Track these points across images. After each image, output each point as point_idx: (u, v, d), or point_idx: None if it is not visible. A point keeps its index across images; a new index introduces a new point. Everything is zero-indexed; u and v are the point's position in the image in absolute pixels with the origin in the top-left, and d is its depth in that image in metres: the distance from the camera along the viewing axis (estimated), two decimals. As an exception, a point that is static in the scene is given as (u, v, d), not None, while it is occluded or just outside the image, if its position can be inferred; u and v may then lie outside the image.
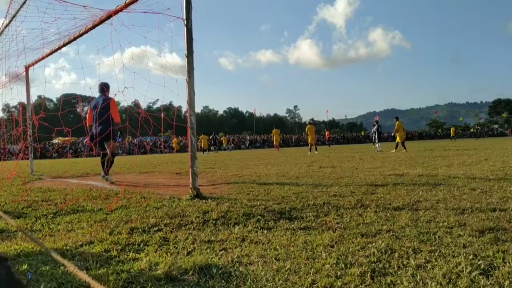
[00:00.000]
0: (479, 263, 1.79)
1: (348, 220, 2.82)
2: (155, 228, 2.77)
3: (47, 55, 7.42)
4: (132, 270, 1.87)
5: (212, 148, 33.72)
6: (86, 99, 7.34)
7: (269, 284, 1.67)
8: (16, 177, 7.86)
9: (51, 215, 3.42)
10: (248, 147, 43.71)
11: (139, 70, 4.68)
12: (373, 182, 5.12)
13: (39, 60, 7.92)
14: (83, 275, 1.00)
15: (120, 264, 1.99)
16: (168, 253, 2.15)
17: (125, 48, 4.84)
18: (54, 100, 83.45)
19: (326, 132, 41.76)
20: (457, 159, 9.24)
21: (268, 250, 2.15)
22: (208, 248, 2.25)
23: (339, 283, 1.64)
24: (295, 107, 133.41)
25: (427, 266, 1.80)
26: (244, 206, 3.48)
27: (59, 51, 6.89)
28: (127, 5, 4.70)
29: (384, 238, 2.29)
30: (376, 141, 18.55)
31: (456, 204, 3.29)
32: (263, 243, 2.30)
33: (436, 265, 1.80)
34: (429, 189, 4.25)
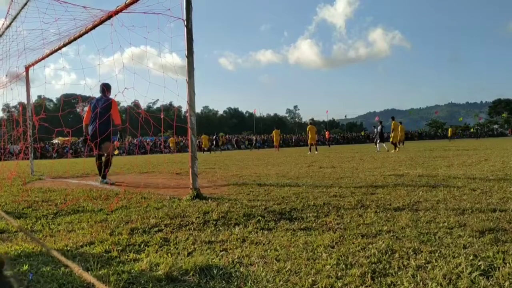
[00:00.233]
0: (479, 263, 1.79)
1: (348, 221, 2.83)
2: (156, 229, 2.77)
3: (47, 55, 7.43)
4: (132, 270, 1.88)
5: (213, 148, 33.78)
6: (86, 99, 7.34)
7: (270, 285, 1.67)
8: (16, 178, 7.86)
9: (52, 216, 3.42)
10: (256, 147, 43.94)
11: (139, 71, 4.69)
12: (373, 182, 5.12)
13: (39, 60, 7.92)
14: (87, 276, 1.01)
15: (120, 264, 1.99)
16: (169, 254, 2.15)
17: (125, 48, 4.85)
18: (54, 100, 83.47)
19: (326, 133, 41.81)
20: (457, 159, 9.24)
21: (269, 250, 2.16)
22: (208, 248, 2.25)
23: (339, 284, 1.65)
24: (295, 107, 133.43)
25: (427, 267, 1.80)
26: (244, 206, 3.48)
27: (59, 51, 6.89)
28: (127, 6, 4.70)
29: (384, 238, 2.29)
30: (378, 141, 18.58)
31: (456, 204, 3.29)
32: (264, 244, 2.30)
33: (437, 265, 1.80)
34: (429, 189, 4.25)
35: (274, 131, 27.53)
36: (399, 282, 1.64)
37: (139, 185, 5.77)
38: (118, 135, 6.80)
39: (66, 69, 6.25)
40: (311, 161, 10.94)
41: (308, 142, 19.93)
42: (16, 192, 5.37)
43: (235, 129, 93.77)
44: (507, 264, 1.78)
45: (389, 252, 2.03)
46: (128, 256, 2.14)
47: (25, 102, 8.83)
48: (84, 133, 6.47)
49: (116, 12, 4.81)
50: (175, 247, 2.30)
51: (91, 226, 2.93)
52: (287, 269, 1.84)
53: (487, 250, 1.99)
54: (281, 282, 1.69)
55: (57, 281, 1.76)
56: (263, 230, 2.65)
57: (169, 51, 4.39)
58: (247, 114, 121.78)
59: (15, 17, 5.91)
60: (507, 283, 1.58)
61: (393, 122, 17.53)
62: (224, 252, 2.18)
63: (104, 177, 6.24)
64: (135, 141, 37.94)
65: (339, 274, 1.75)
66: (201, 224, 2.87)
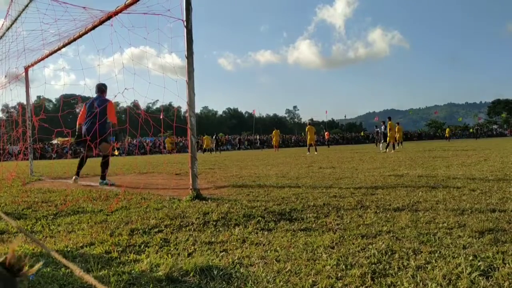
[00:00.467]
0: (479, 264, 1.80)
1: (348, 221, 2.83)
2: (156, 229, 2.77)
3: (47, 56, 7.43)
4: (133, 271, 1.88)
5: (213, 148, 33.81)
6: (86, 100, 7.34)
7: (270, 286, 1.67)
8: (15, 178, 7.85)
9: (52, 216, 3.42)
10: (259, 148, 44.15)
11: (139, 71, 4.69)
12: (373, 183, 5.13)
13: (39, 60, 7.92)
14: (87, 277, 1.00)
15: (121, 265, 1.99)
16: (169, 255, 2.16)
17: (125, 49, 4.86)
18: (54, 100, 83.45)
19: (326, 133, 41.85)
20: (457, 159, 9.25)
21: (269, 251, 2.16)
22: (208, 249, 2.25)
23: (339, 284, 1.65)
24: (295, 107, 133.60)
25: (427, 267, 1.80)
26: (244, 207, 3.49)
27: (58, 52, 6.89)
28: (127, 6, 4.70)
29: (384, 239, 2.30)
30: (382, 141, 18.58)
31: (456, 205, 3.30)
32: (264, 245, 2.30)
33: (436, 266, 1.81)
34: (429, 190, 4.26)
35: (274, 132, 27.61)
36: (399, 283, 1.64)
37: (139, 186, 5.77)
38: (114, 136, 6.77)
39: (66, 70, 6.27)
40: (311, 162, 10.94)
41: (307, 143, 19.96)
42: (16, 192, 5.37)
43: (234, 130, 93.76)
44: (507, 265, 1.78)
45: (389, 253, 2.03)
46: (128, 257, 2.14)
47: (25, 102, 8.83)
48: (76, 133, 6.42)
49: (116, 13, 4.82)
50: (175, 248, 2.30)
51: (91, 227, 2.93)
52: (287, 269, 1.85)
53: (486, 251, 1.99)
54: (281, 283, 1.69)
55: (57, 282, 1.76)
56: (263, 231, 2.65)
57: (168, 51, 4.40)
58: (246, 115, 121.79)
59: (16, 19, 5.91)
60: (506, 283, 1.58)
61: (389, 122, 17.68)
62: (224, 252, 2.18)
63: (103, 178, 6.23)
64: (134, 141, 37.94)
65: (339, 275, 1.75)
66: (201, 225, 2.87)
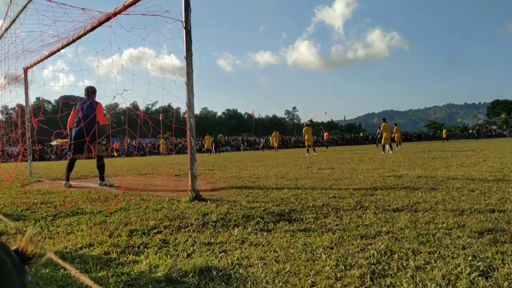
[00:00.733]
0: (478, 264, 1.80)
1: (347, 222, 2.83)
2: (155, 230, 2.77)
3: (46, 57, 7.42)
4: (132, 272, 1.87)
5: (212, 150, 33.79)
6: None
7: (269, 286, 1.67)
8: (15, 180, 7.84)
9: (51, 218, 3.41)
10: (262, 149, 44.35)
11: (138, 72, 4.70)
12: (372, 183, 5.13)
13: (38, 62, 7.91)
14: (86, 278, 1.00)
15: (120, 266, 1.99)
16: (168, 256, 2.15)
17: (124, 50, 4.86)
18: (53, 102, 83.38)
19: (325, 134, 41.87)
20: (456, 160, 9.26)
21: (268, 252, 2.16)
22: (208, 250, 2.25)
23: (339, 285, 1.65)
24: (294, 108, 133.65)
25: (426, 268, 1.80)
26: (243, 208, 3.48)
27: (57, 53, 6.89)
28: (125, 7, 4.70)
29: (383, 239, 2.30)
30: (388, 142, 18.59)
31: (455, 205, 3.30)
32: (263, 245, 2.30)
33: (436, 266, 1.81)
34: (428, 190, 4.26)
35: (273, 133, 27.68)
36: (398, 283, 1.64)
37: (138, 187, 5.77)
38: (104, 137, 6.77)
39: (65, 71, 6.26)
40: (310, 162, 10.94)
41: (306, 144, 19.98)
42: (15, 194, 5.36)
43: (234, 131, 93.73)
44: (506, 265, 1.78)
45: (388, 253, 2.03)
46: (127, 258, 2.14)
47: (24, 104, 8.83)
48: (69, 136, 6.44)
49: (115, 14, 4.82)
50: (174, 249, 2.30)
51: (90, 228, 2.93)
52: (286, 270, 1.84)
53: (486, 251, 1.99)
54: (280, 283, 1.69)
55: (56, 283, 1.75)
56: (262, 232, 2.65)
57: (167, 52, 4.41)
58: (246, 116, 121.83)
59: (14, 20, 5.91)
60: (506, 284, 1.58)
61: (383, 124, 17.77)
62: (223, 253, 2.18)
63: (102, 179, 6.24)
64: (134, 142, 37.92)
65: (338, 275, 1.75)
66: (200, 226, 2.87)
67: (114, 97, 4.62)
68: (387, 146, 16.93)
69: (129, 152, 35.77)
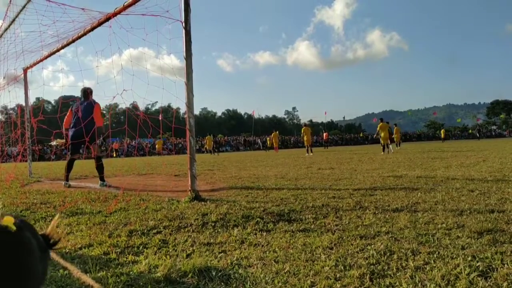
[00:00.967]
0: (477, 264, 1.80)
1: (347, 222, 2.83)
2: (154, 231, 2.76)
3: (46, 57, 7.42)
4: (131, 272, 1.87)
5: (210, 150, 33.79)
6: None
7: (269, 287, 1.67)
8: (14, 180, 7.84)
9: (50, 218, 3.41)
10: (262, 148, 44.55)
11: (138, 72, 4.70)
12: (371, 183, 5.13)
13: (38, 62, 7.91)
14: (85, 278, 1.00)
15: (119, 266, 1.99)
16: (167, 256, 2.15)
17: (124, 50, 4.87)
18: (52, 102, 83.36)
19: (325, 134, 41.87)
20: (455, 160, 9.26)
21: (267, 252, 2.16)
22: (207, 250, 2.25)
23: (338, 285, 1.65)
24: (294, 108, 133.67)
25: (425, 268, 1.80)
26: (243, 208, 3.48)
27: (57, 53, 6.89)
28: (125, 8, 4.70)
29: (383, 240, 2.30)
30: (388, 142, 18.60)
31: (455, 205, 3.30)
32: (262, 245, 2.30)
33: (435, 266, 1.81)
34: (428, 190, 4.26)
35: (273, 134, 27.71)
36: (397, 283, 1.64)
37: (138, 187, 5.77)
38: (102, 138, 6.77)
39: (64, 71, 6.26)
40: (310, 163, 10.95)
41: (305, 144, 19.98)
42: (15, 194, 5.36)
43: (233, 131, 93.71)
44: (505, 265, 1.78)
45: (388, 253, 2.03)
46: (126, 258, 2.14)
47: (24, 104, 8.83)
48: (65, 136, 6.44)
49: (115, 14, 4.82)
50: (173, 249, 2.30)
51: (90, 228, 2.93)
52: (285, 270, 1.84)
53: (485, 251, 1.99)
54: (280, 284, 1.69)
55: (55, 283, 1.75)
56: (261, 232, 2.65)
57: (167, 53, 4.41)
58: (245, 116, 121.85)
59: (13, 20, 5.91)
60: (505, 284, 1.58)
61: (380, 124, 17.76)
62: (222, 253, 2.18)
63: (102, 179, 6.25)
64: (133, 143, 37.90)
65: (337, 276, 1.75)
66: (200, 226, 2.87)
67: (114, 97, 4.63)
68: (389, 146, 16.94)
69: (129, 152, 35.76)
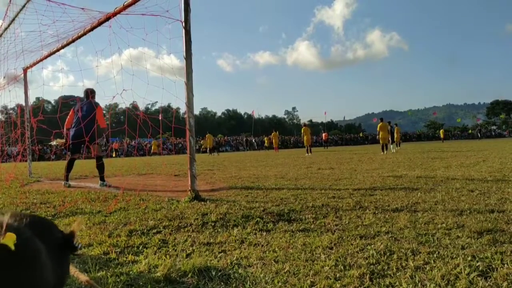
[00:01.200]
0: (477, 264, 1.80)
1: (347, 222, 2.83)
2: (154, 231, 2.76)
3: (45, 57, 7.42)
4: (131, 272, 1.87)
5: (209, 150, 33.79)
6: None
7: (269, 286, 1.67)
8: (14, 179, 7.83)
9: (50, 218, 3.41)
10: (261, 149, 44.71)
11: (137, 72, 4.70)
12: (371, 183, 5.13)
13: (37, 62, 7.91)
14: (85, 278, 1.01)
15: (119, 266, 1.99)
16: (167, 256, 2.15)
17: (123, 50, 4.87)
18: (52, 102, 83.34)
19: (324, 134, 41.88)
20: (455, 160, 9.26)
21: (267, 252, 2.16)
22: (207, 250, 2.25)
23: (338, 285, 1.65)
24: (294, 108, 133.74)
25: (425, 268, 1.80)
26: (243, 208, 3.48)
27: (57, 53, 6.89)
28: (125, 7, 4.70)
29: (382, 239, 2.29)
30: (390, 142, 18.61)
31: (455, 205, 3.30)
32: (262, 245, 2.30)
33: (435, 266, 1.81)
34: (428, 190, 4.26)
35: (273, 134, 27.74)
36: (397, 283, 1.64)
37: (138, 187, 5.76)
38: (104, 139, 6.77)
39: (64, 71, 6.26)
40: (310, 163, 10.95)
41: (305, 144, 19.98)
42: (14, 194, 5.35)
43: (233, 131, 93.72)
44: (505, 265, 1.78)
45: (388, 253, 2.03)
46: (126, 258, 2.13)
47: (23, 104, 8.82)
48: (66, 136, 6.44)
49: (114, 14, 4.81)
50: (173, 249, 2.30)
51: (90, 228, 2.92)
52: (285, 270, 1.84)
53: (485, 251, 1.99)
54: (279, 284, 1.69)
55: (55, 283, 1.75)
56: (261, 232, 2.65)
57: (167, 52, 4.41)
58: (245, 116, 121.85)
59: (13, 19, 5.90)
60: (505, 284, 1.58)
61: (380, 123, 17.75)
62: (222, 253, 2.18)
63: (102, 179, 6.25)
64: (133, 143, 37.89)
65: (337, 275, 1.75)
66: (200, 226, 2.87)
67: (114, 97, 4.62)
68: (389, 146, 16.94)
69: (129, 152, 35.78)
